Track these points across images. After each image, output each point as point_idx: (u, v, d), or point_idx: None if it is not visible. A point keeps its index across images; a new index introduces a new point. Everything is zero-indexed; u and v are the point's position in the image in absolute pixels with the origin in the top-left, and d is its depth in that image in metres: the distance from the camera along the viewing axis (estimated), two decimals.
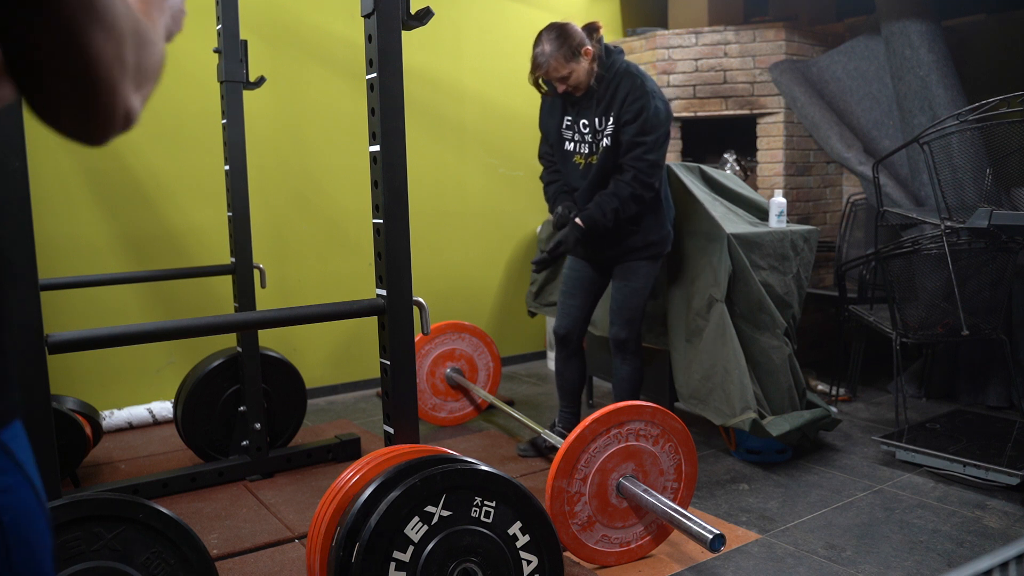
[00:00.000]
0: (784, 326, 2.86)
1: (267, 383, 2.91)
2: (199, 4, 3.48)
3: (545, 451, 3.00)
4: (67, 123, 0.51)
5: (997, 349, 3.43)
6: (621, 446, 2.14)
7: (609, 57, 2.59)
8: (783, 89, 4.11)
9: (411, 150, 3.55)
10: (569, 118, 2.67)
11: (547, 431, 2.78)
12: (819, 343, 4.38)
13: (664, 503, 2.06)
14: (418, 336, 3.31)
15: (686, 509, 2.11)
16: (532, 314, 3.85)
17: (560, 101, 2.71)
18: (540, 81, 2.61)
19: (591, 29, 2.61)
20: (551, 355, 4.42)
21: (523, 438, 3.21)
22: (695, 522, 1.97)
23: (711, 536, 1.91)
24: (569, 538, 2.11)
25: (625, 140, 2.54)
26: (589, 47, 2.54)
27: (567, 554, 2.20)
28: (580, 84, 2.56)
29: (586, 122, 2.63)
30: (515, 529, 1.67)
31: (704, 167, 3.11)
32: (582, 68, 2.53)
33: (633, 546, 2.21)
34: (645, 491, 2.11)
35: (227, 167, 2.73)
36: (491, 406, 3.20)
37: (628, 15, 4.94)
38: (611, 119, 2.56)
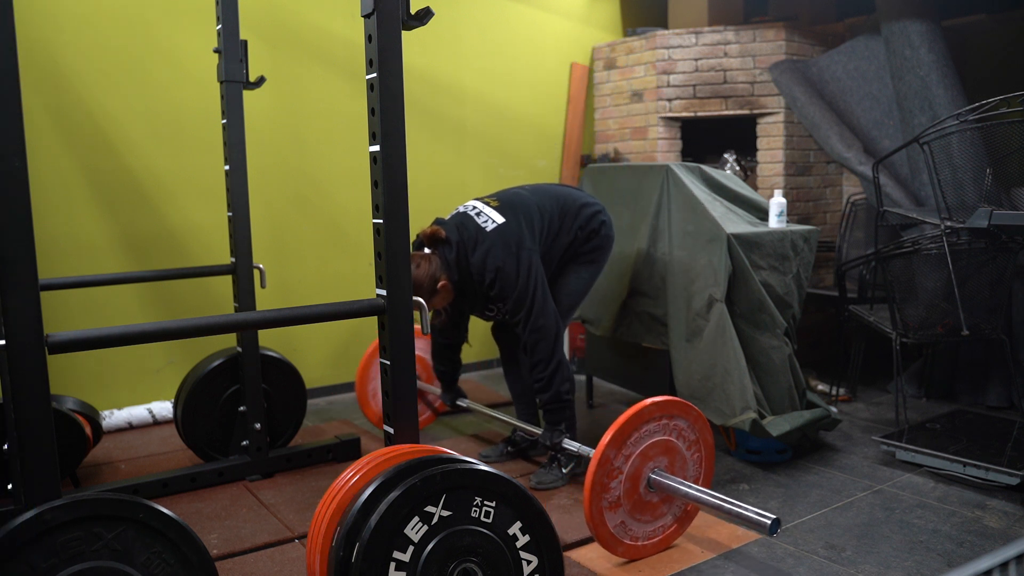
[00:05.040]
0: (784, 326, 2.86)
1: (267, 383, 2.91)
2: (199, 4, 3.49)
3: (524, 450, 3.04)
4: None
5: (997, 349, 3.43)
6: (663, 438, 2.18)
7: (457, 252, 2.59)
8: (783, 89, 4.11)
9: (411, 150, 3.55)
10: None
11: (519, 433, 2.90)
12: (819, 343, 4.38)
13: (709, 494, 2.10)
14: (370, 349, 3.27)
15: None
16: None
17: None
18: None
19: (422, 243, 2.62)
20: None
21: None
22: (750, 509, 2.01)
23: (769, 521, 1.96)
24: (596, 512, 2.10)
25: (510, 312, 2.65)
26: (443, 281, 2.57)
27: (571, 553, 2.20)
28: (448, 302, 2.67)
29: (491, 307, 2.73)
30: (515, 529, 1.67)
31: (704, 167, 3.11)
32: (443, 297, 2.62)
33: (640, 544, 2.21)
34: (682, 483, 2.15)
35: (227, 167, 2.73)
36: (456, 410, 3.18)
37: (628, 15, 4.94)
38: (499, 303, 2.68)
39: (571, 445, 2.53)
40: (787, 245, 2.91)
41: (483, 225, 2.60)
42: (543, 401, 2.62)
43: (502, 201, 2.69)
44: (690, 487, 2.13)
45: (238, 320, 1.85)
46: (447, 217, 2.71)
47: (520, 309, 2.57)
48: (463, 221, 2.64)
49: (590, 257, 2.79)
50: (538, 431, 2.67)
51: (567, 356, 4.32)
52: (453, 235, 2.60)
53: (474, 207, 2.69)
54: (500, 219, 2.60)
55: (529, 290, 2.55)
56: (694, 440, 2.25)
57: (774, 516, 1.96)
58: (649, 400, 2.14)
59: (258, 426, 2.79)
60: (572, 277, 2.78)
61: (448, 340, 3.01)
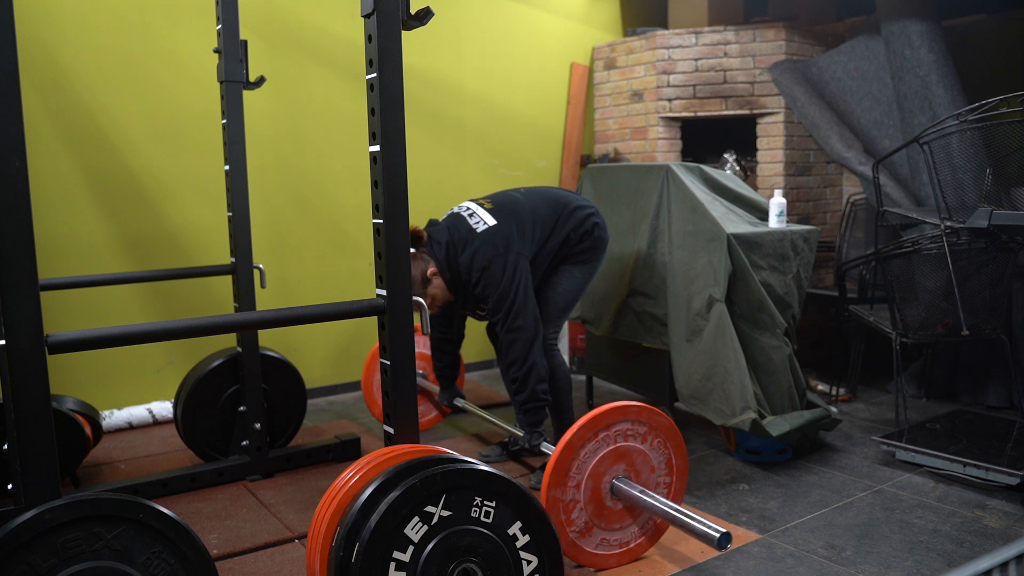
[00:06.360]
0: (784, 326, 2.86)
1: (267, 383, 2.91)
2: (199, 4, 3.49)
3: (516, 453, 3.03)
4: None
5: (997, 349, 3.43)
6: (611, 448, 2.13)
7: (447, 252, 2.61)
8: (783, 89, 4.11)
9: (411, 150, 3.55)
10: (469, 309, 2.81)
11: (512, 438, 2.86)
12: (819, 343, 4.38)
13: (663, 503, 2.06)
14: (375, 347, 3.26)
15: (681, 504, 2.08)
16: None
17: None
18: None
19: (416, 240, 2.62)
20: None
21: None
22: (699, 521, 1.96)
23: (718, 535, 1.89)
24: (568, 545, 2.10)
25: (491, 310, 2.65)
26: (432, 269, 2.60)
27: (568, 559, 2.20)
28: (446, 298, 2.68)
29: (482, 305, 2.74)
30: (515, 529, 1.67)
31: (704, 167, 3.11)
32: (437, 288, 2.64)
33: (632, 545, 2.21)
34: (642, 492, 2.11)
35: (227, 167, 2.73)
36: (455, 410, 3.18)
37: (628, 15, 4.94)
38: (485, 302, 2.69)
39: (548, 448, 2.52)
40: (787, 245, 2.91)
41: (474, 226, 2.61)
42: (520, 402, 2.61)
43: (495, 203, 2.70)
44: (647, 496, 2.08)
45: (238, 320, 1.85)
46: (441, 218, 2.72)
47: (500, 308, 2.58)
48: (455, 222, 2.65)
49: (583, 258, 2.80)
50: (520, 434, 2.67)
51: (567, 356, 4.32)
52: (443, 235, 2.62)
53: (467, 208, 2.70)
54: (492, 221, 2.62)
55: (511, 291, 2.56)
56: (645, 432, 2.18)
57: (723, 530, 1.89)
58: (576, 426, 2.08)
59: (258, 426, 2.79)
60: (565, 277, 2.79)
61: (444, 334, 3.02)
